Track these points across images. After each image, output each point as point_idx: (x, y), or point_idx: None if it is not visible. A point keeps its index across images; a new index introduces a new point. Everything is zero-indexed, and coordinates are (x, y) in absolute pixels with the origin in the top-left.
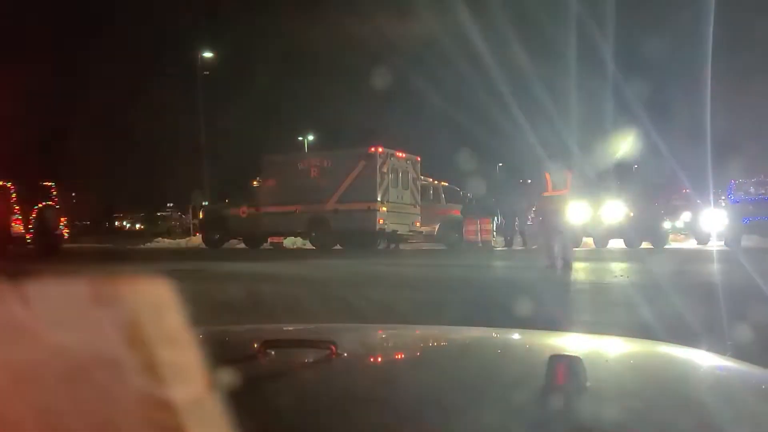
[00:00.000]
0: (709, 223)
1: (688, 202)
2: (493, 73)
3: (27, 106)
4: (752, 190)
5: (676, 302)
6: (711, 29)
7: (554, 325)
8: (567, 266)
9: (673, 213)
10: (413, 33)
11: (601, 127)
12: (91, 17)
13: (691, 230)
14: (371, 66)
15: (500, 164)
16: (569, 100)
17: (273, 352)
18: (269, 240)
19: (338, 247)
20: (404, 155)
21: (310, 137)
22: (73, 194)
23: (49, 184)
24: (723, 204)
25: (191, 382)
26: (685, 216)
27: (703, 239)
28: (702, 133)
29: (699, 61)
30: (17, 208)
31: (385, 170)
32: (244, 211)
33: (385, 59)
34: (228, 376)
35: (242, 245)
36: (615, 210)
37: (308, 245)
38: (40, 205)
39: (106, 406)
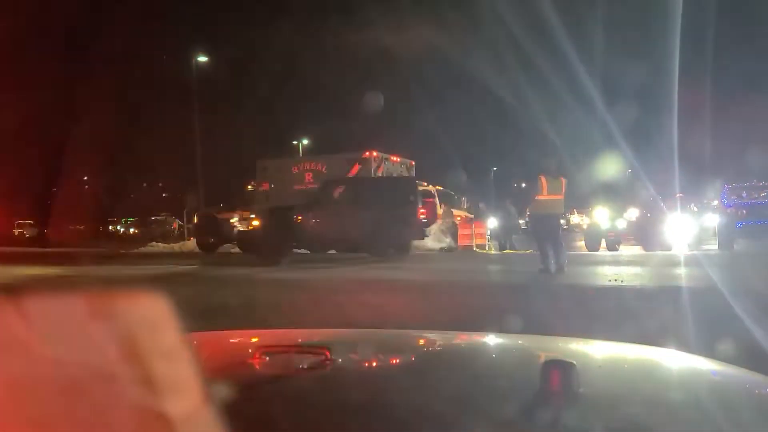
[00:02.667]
0: (671, 227)
1: (640, 201)
2: (488, 79)
3: (24, 114)
4: (745, 194)
5: None
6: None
7: (548, 329)
8: (561, 270)
9: (620, 213)
10: (411, 40)
11: (590, 135)
12: (85, 19)
13: (637, 233)
14: (367, 70)
15: (494, 168)
16: (561, 108)
17: (267, 358)
18: None
19: (333, 251)
20: (399, 159)
21: (305, 141)
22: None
23: None
24: (695, 208)
25: (187, 395)
26: (630, 214)
27: (651, 244)
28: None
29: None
30: None
31: (380, 174)
32: (238, 215)
33: (381, 64)
34: (223, 388)
35: (236, 250)
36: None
37: (303, 249)
38: None
39: (102, 419)
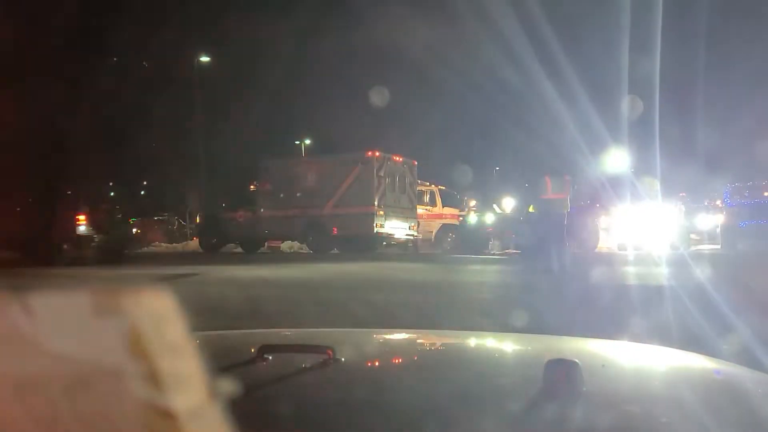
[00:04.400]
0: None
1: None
2: (490, 80)
3: (28, 115)
4: (748, 194)
5: None
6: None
7: (551, 329)
8: (564, 269)
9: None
10: (414, 40)
11: (590, 133)
12: (88, 22)
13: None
14: (369, 70)
15: (497, 168)
16: (563, 107)
17: (270, 357)
18: (266, 244)
19: (335, 251)
20: (401, 159)
21: (307, 141)
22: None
23: None
24: (682, 207)
25: (192, 391)
26: (506, 205)
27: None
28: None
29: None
30: None
31: (381, 174)
32: (241, 215)
33: (382, 64)
34: (228, 384)
35: (239, 249)
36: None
37: (305, 249)
38: None
39: (107, 416)
